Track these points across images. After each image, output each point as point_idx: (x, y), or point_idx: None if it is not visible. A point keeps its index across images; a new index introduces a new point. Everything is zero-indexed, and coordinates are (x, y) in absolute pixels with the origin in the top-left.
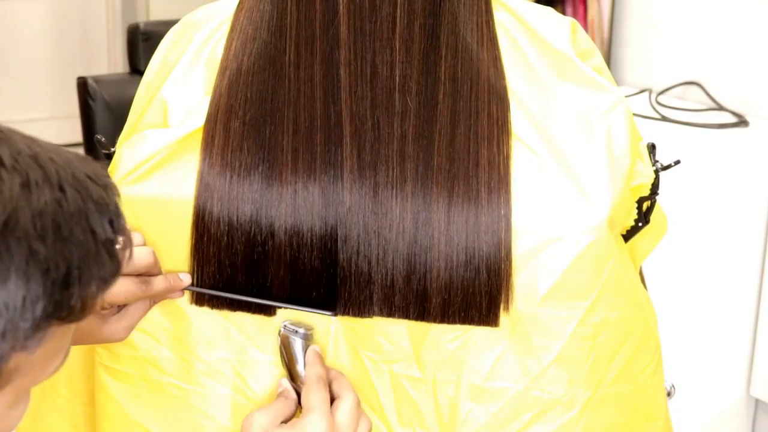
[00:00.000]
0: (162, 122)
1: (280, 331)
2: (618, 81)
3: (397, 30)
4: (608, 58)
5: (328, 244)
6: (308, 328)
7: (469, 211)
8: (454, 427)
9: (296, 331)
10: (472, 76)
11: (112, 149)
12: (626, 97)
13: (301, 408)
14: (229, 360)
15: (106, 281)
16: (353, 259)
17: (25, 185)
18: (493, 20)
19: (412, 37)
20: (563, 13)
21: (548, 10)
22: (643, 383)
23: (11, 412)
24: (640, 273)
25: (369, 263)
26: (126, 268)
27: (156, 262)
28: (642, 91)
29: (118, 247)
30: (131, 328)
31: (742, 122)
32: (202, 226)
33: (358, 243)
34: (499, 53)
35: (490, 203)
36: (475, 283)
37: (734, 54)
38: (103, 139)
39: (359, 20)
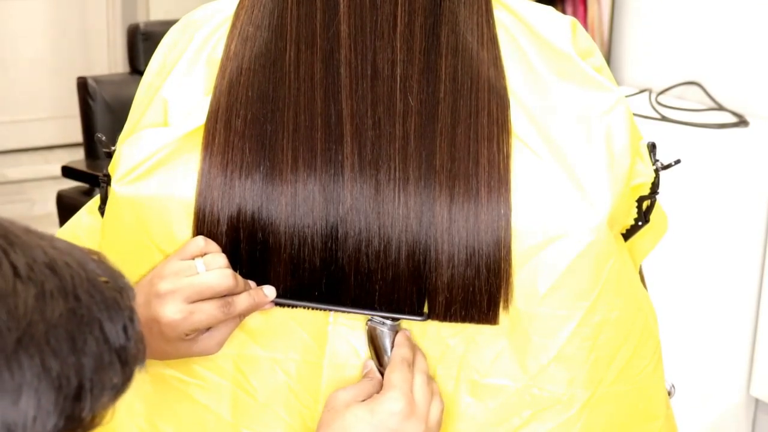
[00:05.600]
0: (162, 121)
1: (367, 323)
2: (618, 81)
3: (398, 29)
4: (608, 58)
5: (328, 242)
6: (394, 321)
7: (469, 210)
8: (453, 422)
9: (384, 323)
10: (473, 76)
11: (113, 148)
12: (626, 97)
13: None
14: (230, 355)
15: (119, 390)
16: (354, 257)
17: (40, 296)
18: (493, 19)
19: (413, 36)
20: (563, 12)
21: (548, 9)
22: (643, 383)
23: None
24: (640, 273)
25: (370, 261)
26: (200, 296)
27: (237, 283)
28: (642, 91)
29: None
30: (222, 342)
31: (742, 122)
32: (203, 225)
33: (359, 241)
34: (499, 52)
35: (490, 202)
36: (476, 282)
37: (734, 54)
38: (103, 138)
39: (360, 19)
